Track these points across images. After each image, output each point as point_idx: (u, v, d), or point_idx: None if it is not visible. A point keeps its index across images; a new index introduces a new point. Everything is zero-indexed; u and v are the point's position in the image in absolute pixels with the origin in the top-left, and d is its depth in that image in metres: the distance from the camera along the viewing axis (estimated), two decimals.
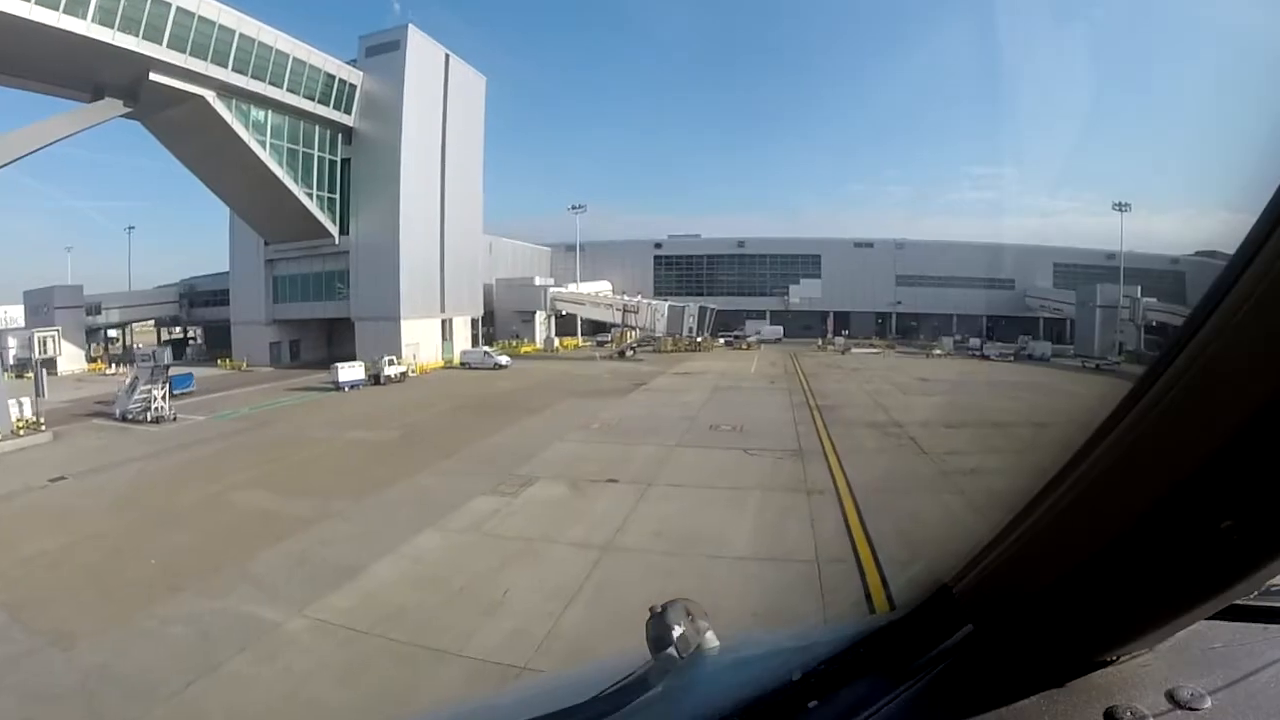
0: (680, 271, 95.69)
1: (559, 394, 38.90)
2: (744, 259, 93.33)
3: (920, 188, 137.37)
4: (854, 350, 66.97)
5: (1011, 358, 60.67)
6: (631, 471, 19.70)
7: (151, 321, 76.55)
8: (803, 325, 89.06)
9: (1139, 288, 67.60)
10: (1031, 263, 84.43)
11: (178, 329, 78.40)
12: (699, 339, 60.95)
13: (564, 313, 72.99)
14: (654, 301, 60.59)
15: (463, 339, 66.66)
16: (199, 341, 76.83)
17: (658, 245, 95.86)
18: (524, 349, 72.14)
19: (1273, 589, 1.30)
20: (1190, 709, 1.12)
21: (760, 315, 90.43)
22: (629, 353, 62.44)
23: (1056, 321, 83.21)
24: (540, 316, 74.67)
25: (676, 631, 1.52)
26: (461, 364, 57.18)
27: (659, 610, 1.61)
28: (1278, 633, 1.32)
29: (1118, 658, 1.20)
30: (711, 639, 1.60)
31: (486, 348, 59.64)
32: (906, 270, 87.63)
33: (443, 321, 63.67)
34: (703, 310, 55.90)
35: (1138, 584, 1.03)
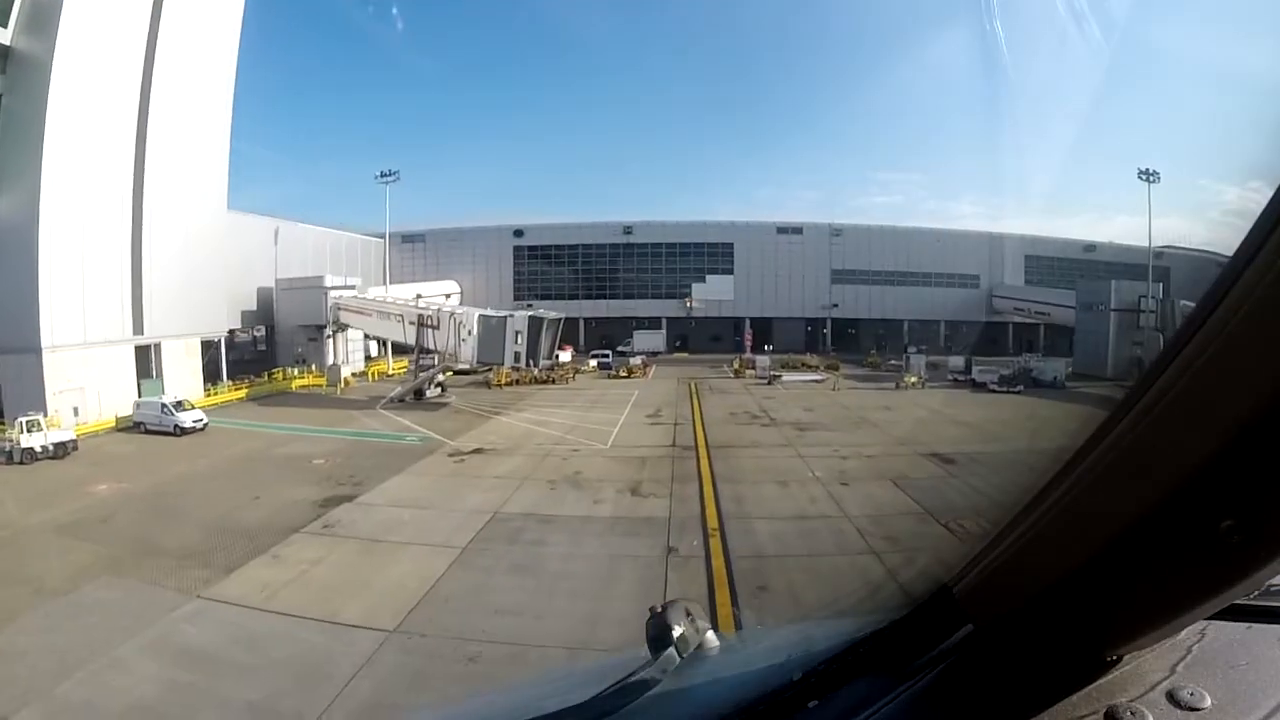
0: (550, 268, 71.55)
1: (112, 550, 16.06)
2: (633, 251, 69.99)
3: (830, 192, 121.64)
4: (785, 377, 44.64)
5: (1019, 386, 39.90)
6: None
7: None
8: (710, 336, 66.81)
9: (1161, 285, 49.52)
10: (997, 255, 65.87)
11: None
12: (544, 364, 36.86)
13: (350, 326, 47.38)
14: (460, 310, 36.29)
15: (187, 373, 40.87)
16: None
17: (518, 233, 71.23)
18: (298, 383, 46.80)
19: (1273, 589, 1.29)
20: (1190, 709, 1.10)
21: (655, 324, 67.46)
22: (430, 390, 37.70)
23: (1028, 328, 65.11)
24: (333, 333, 49.27)
25: (676, 631, 1.47)
26: (135, 423, 32.84)
27: (659, 610, 1.56)
28: (1278, 633, 1.29)
29: (1118, 658, 1.17)
30: (711, 639, 1.56)
31: (167, 398, 33.23)
32: (845, 264, 66.80)
33: (142, 349, 38.31)
34: (535, 322, 32.20)
35: (1138, 584, 1.02)
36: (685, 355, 63.02)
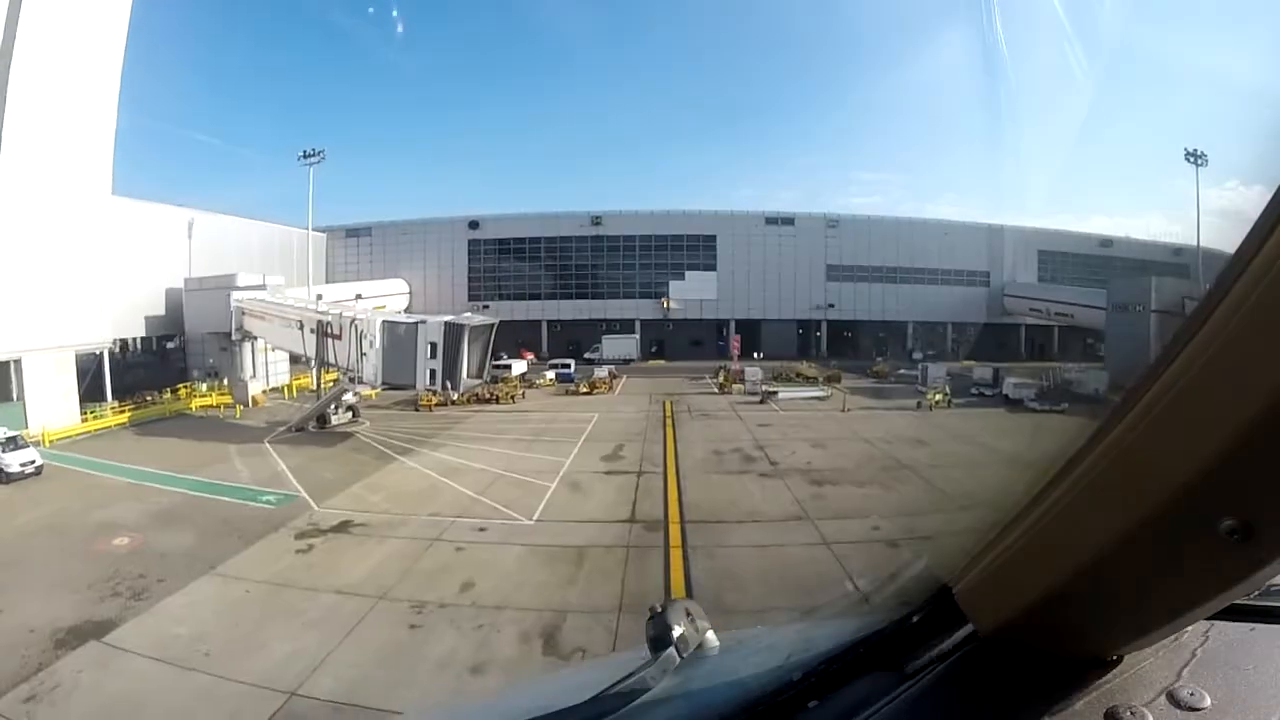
0: (510, 263, 63.48)
1: None
2: (603, 244, 62.16)
3: (808, 192, 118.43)
4: (781, 394, 37.08)
5: (1064, 404, 32.81)
6: None
7: None
8: (690, 341, 59.24)
9: (1205, 284, 42.70)
10: (1008, 250, 59.16)
11: None
12: (470, 385, 28.31)
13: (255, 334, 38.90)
14: (362, 316, 27.79)
15: (57, 394, 33.01)
16: None
17: (474, 225, 63.08)
18: (200, 401, 38.77)
19: (1273, 589, 1.29)
20: (1190, 709, 1.11)
21: (628, 327, 59.70)
22: (337, 415, 29.65)
23: (1042, 330, 58.66)
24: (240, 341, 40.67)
25: (676, 631, 1.46)
26: None
27: (659, 610, 1.54)
28: (1278, 633, 1.29)
29: (1118, 658, 1.18)
30: (711, 639, 1.54)
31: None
32: (842, 259, 59.51)
33: None
34: (454, 330, 23.90)
35: (1138, 584, 1.03)
36: (662, 363, 55.45)
